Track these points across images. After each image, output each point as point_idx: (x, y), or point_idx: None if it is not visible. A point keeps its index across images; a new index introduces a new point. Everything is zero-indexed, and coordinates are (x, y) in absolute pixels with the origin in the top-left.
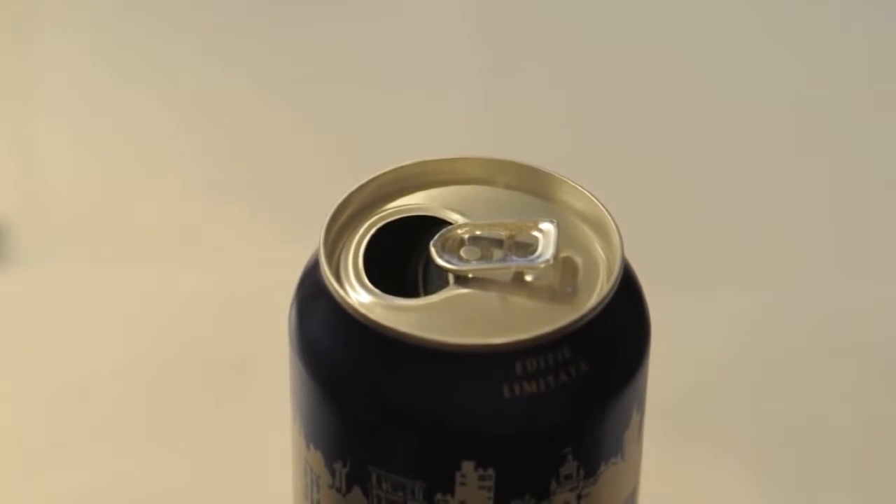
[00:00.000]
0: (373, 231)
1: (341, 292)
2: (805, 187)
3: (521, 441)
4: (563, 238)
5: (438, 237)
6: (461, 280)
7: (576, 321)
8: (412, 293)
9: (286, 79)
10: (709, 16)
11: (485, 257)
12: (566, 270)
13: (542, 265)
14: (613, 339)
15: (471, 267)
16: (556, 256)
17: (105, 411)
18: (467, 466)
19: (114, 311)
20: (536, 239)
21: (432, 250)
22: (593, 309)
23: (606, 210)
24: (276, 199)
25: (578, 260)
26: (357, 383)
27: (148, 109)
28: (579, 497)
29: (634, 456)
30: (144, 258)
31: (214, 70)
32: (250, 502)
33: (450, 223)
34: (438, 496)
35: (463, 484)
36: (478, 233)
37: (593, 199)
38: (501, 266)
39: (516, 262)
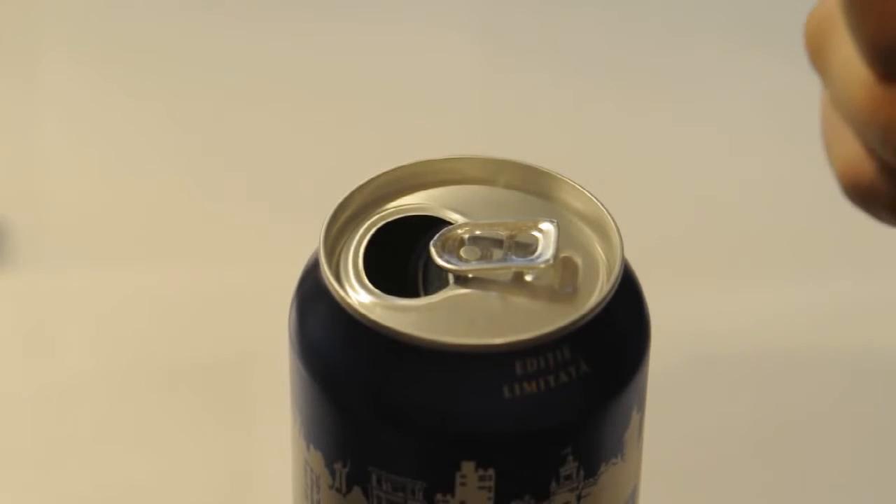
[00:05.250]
0: (373, 231)
1: (341, 292)
2: (806, 185)
3: (521, 441)
4: (563, 238)
5: (438, 237)
6: (461, 280)
7: (576, 321)
8: (412, 293)
9: (286, 79)
10: (709, 15)
11: (485, 257)
12: (566, 270)
13: (542, 265)
14: (613, 339)
15: (471, 267)
16: (556, 256)
17: (104, 411)
18: (467, 466)
19: (113, 311)
20: (536, 239)
21: (432, 250)
22: (593, 309)
23: (606, 210)
24: (276, 199)
25: (578, 260)
26: (357, 383)
27: (148, 109)
28: (579, 497)
29: (634, 456)
30: (144, 258)
31: (214, 70)
32: (250, 502)
33: (450, 223)
34: (438, 496)
35: (463, 484)
36: (478, 233)
37: (593, 199)
38: (501, 266)
39: (516, 262)
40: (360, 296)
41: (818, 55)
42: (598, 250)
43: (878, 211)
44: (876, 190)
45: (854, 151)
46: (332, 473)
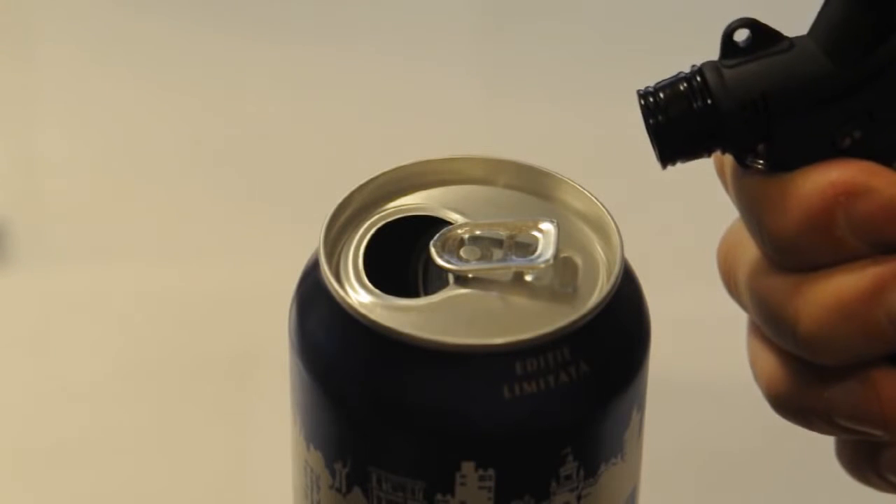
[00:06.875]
0: (373, 231)
1: (341, 292)
2: None
3: (521, 441)
4: (563, 238)
5: (438, 237)
6: (461, 280)
7: (576, 321)
8: (412, 293)
9: (286, 79)
10: (711, 15)
11: (485, 257)
12: (566, 270)
13: (542, 265)
14: (613, 339)
15: (471, 267)
16: (556, 256)
17: (105, 410)
18: (467, 466)
19: (113, 310)
20: (536, 239)
21: (432, 250)
22: (593, 309)
23: (606, 210)
24: (276, 198)
25: (578, 260)
26: (357, 383)
27: (148, 110)
28: (579, 497)
29: (634, 456)
30: (144, 258)
31: (214, 71)
32: (250, 502)
33: (450, 223)
34: (438, 496)
35: (463, 484)
36: (478, 233)
37: (593, 199)
38: (501, 266)
39: (516, 262)
40: (360, 296)
41: (730, 277)
42: (598, 250)
43: (809, 419)
44: (801, 397)
45: (773, 364)
46: (332, 473)
